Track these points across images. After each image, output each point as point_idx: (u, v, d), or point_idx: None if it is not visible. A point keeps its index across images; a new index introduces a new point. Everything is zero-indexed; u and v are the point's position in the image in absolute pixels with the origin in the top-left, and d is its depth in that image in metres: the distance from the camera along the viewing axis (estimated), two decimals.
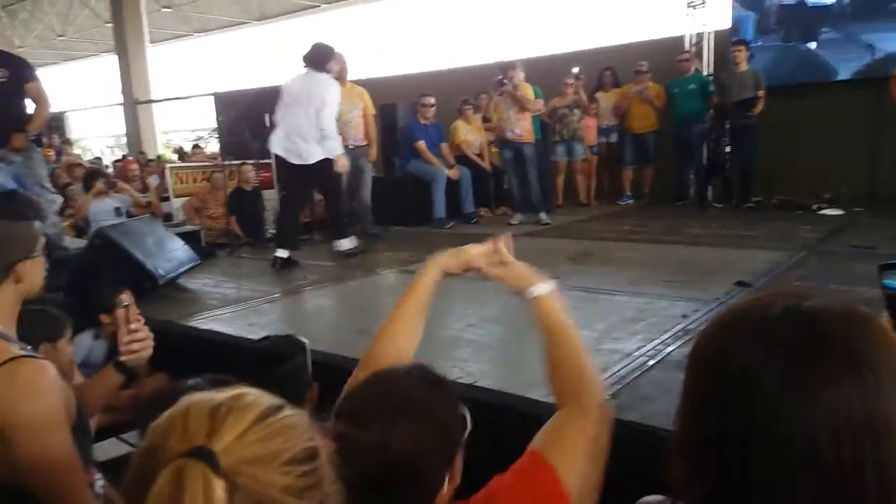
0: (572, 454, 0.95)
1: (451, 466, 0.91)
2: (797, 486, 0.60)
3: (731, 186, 6.53)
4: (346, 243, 4.87)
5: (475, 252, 1.25)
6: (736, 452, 0.62)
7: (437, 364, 2.33)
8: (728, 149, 6.35)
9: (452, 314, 3.07)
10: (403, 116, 6.85)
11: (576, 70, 6.96)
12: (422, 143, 6.26)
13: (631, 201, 7.15)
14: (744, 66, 6.29)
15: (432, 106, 6.35)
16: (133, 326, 1.38)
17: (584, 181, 7.18)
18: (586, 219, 6.27)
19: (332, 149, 4.56)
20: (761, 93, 6.16)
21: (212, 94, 8.32)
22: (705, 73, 7.16)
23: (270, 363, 1.55)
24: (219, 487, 0.57)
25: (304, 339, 1.69)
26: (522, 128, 5.97)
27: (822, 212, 5.76)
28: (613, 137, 7.25)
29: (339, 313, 3.44)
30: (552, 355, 1.11)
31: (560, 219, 6.19)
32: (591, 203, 7.20)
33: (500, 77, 5.91)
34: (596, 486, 0.96)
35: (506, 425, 1.61)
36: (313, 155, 4.50)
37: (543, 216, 6.01)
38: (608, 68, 7.22)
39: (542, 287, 1.17)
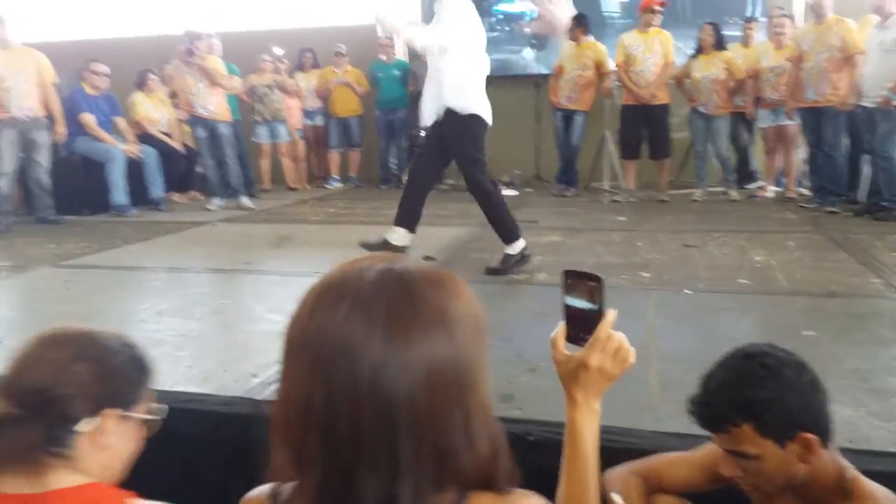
0: None
1: None
2: (399, 447, 0.60)
3: None
4: None
5: None
6: (343, 430, 0.60)
7: None
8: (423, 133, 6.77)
9: (120, 310, 2.67)
10: (65, 86, 5.79)
11: (280, 52, 6.70)
12: (88, 117, 5.37)
13: (339, 185, 7.21)
14: None
15: (104, 75, 5.47)
16: None
17: (290, 164, 6.99)
18: (293, 203, 6.13)
19: None
20: None
21: None
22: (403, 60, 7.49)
23: None
24: None
25: None
26: (216, 104, 5.51)
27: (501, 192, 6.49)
28: (319, 121, 7.19)
29: None
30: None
31: (267, 203, 6.01)
32: (302, 187, 7.07)
33: (188, 46, 5.35)
34: None
35: None
36: None
37: (246, 200, 5.68)
38: (308, 49, 7.10)
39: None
